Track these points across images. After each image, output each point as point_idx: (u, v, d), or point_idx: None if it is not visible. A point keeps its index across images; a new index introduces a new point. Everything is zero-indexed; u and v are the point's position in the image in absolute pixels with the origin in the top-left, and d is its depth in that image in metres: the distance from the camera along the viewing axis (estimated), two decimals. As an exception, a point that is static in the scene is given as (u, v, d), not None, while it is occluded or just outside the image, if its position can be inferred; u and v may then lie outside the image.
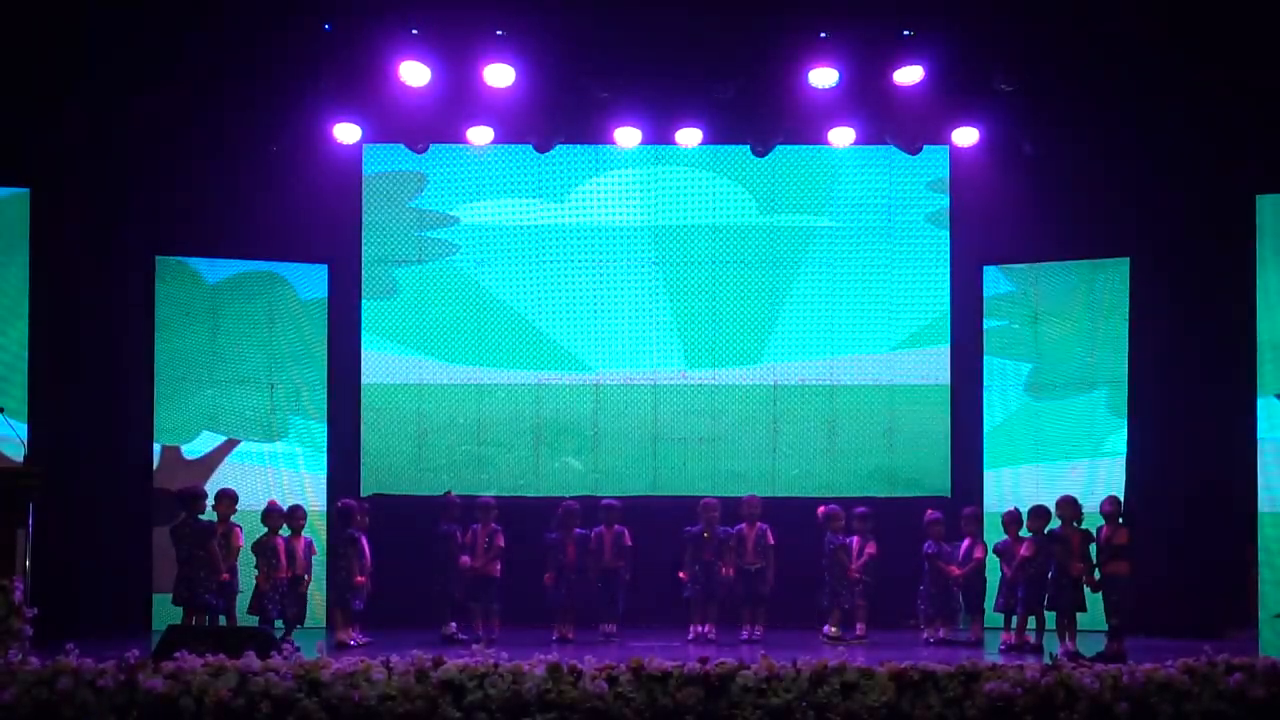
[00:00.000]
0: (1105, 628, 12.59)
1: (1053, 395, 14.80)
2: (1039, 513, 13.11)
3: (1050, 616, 12.91)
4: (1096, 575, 12.54)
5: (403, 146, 14.70)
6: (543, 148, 14.52)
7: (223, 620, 12.46)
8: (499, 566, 13.36)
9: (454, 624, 13.24)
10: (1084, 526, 12.77)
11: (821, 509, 13.77)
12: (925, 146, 14.68)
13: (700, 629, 13.47)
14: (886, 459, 15.10)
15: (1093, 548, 12.68)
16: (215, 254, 14.58)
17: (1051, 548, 12.75)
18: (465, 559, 13.24)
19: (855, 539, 13.69)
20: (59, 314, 13.17)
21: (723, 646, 12.70)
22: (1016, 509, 13.50)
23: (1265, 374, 12.53)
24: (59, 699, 7.87)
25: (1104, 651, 11.93)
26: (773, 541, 13.62)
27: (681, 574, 13.62)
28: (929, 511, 13.81)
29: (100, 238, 13.68)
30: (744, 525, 13.67)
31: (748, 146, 14.61)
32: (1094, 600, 12.68)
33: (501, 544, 13.36)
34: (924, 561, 13.67)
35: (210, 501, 12.84)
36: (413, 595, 13.44)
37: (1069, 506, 12.79)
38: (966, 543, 13.66)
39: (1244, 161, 13.31)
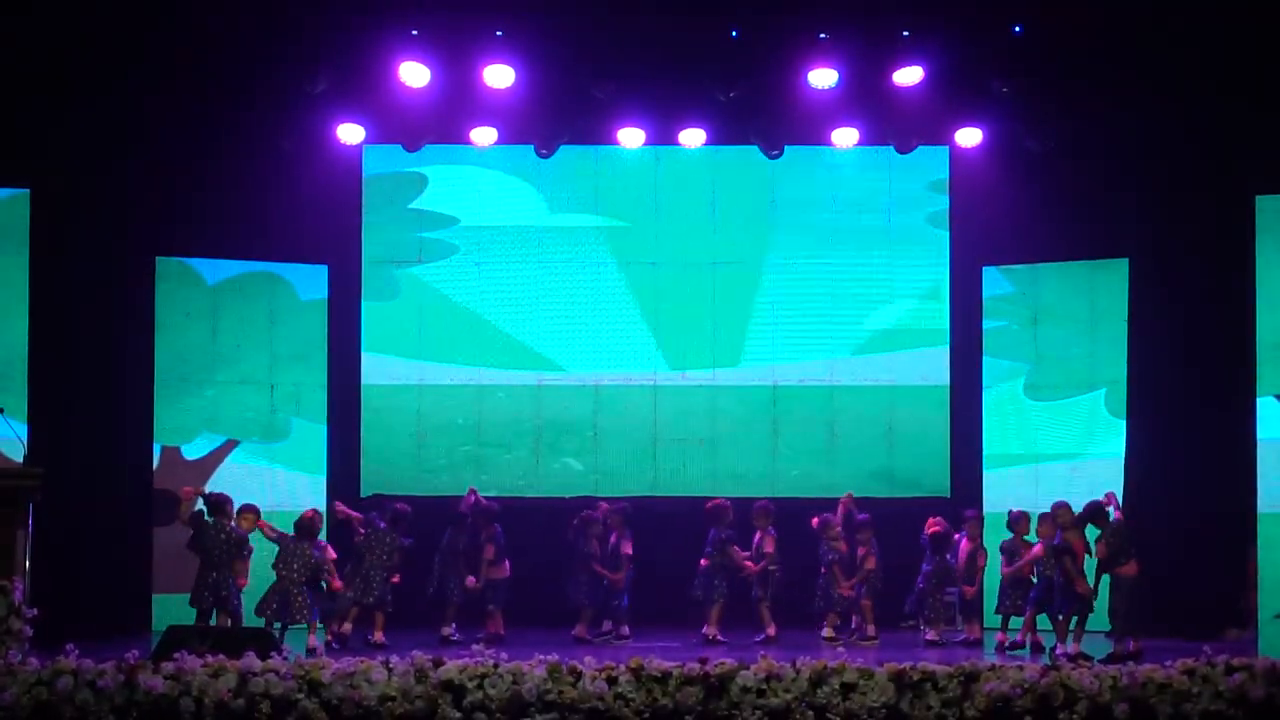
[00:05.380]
0: (1108, 628, 12.59)
1: (1052, 396, 14.80)
2: (1048, 518, 13.08)
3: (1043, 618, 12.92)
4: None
5: (402, 148, 14.70)
6: (545, 151, 14.50)
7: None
8: (507, 567, 13.36)
9: (453, 626, 13.24)
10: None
11: (816, 519, 13.75)
12: (926, 147, 14.69)
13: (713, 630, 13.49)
14: (886, 459, 15.10)
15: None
16: (215, 254, 14.58)
17: (1060, 556, 12.68)
18: (471, 580, 13.26)
19: (860, 550, 13.68)
20: (59, 314, 13.15)
21: (733, 649, 12.68)
22: (1022, 511, 13.46)
23: (1265, 374, 12.52)
24: (59, 699, 7.88)
25: (1114, 653, 11.93)
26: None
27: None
28: (931, 521, 13.78)
29: (100, 238, 13.66)
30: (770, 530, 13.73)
31: (748, 147, 14.63)
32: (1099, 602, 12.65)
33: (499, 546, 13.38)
34: (924, 563, 13.67)
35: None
36: (412, 595, 13.43)
37: (1068, 513, 12.71)
38: (965, 545, 13.66)
39: (1243, 162, 13.31)
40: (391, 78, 13.62)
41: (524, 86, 13.72)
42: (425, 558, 13.47)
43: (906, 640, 13.58)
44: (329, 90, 13.63)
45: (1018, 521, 13.33)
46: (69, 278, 13.30)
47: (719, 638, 13.30)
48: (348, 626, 12.90)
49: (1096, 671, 8.25)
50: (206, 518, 12.43)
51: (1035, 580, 13.03)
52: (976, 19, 13.26)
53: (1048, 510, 13.09)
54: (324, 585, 12.68)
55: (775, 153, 14.55)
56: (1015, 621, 13.29)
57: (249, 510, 12.72)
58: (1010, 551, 13.34)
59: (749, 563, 13.56)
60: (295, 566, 12.48)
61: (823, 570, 13.66)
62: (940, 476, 15.04)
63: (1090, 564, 12.65)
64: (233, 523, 12.45)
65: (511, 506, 14.11)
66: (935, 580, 13.53)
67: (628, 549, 13.43)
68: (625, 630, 13.42)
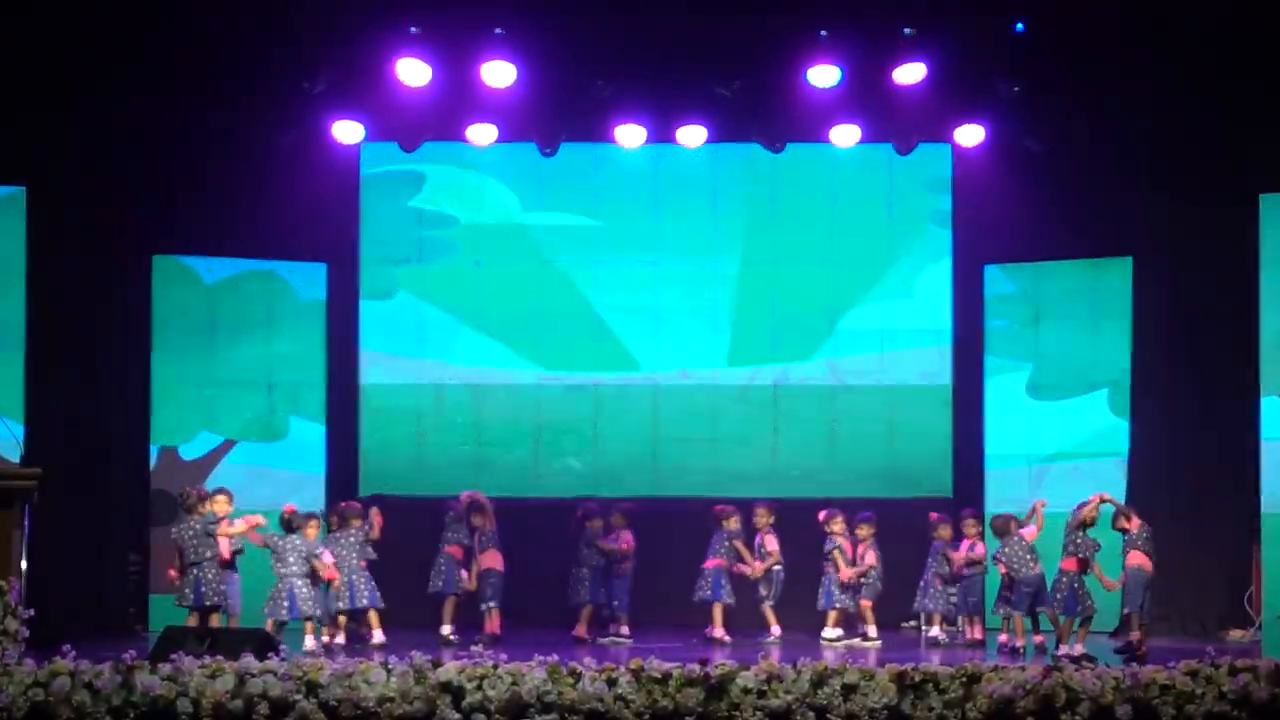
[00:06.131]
0: (1109, 629, 12.55)
1: (1053, 395, 14.76)
2: (997, 525, 13.02)
3: (1043, 618, 12.85)
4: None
5: (399, 147, 14.66)
6: (549, 150, 14.46)
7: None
8: (501, 560, 13.31)
9: (450, 626, 13.22)
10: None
11: (823, 513, 13.76)
12: (927, 145, 14.66)
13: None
14: (887, 459, 15.06)
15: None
16: (213, 253, 14.53)
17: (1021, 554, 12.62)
18: (464, 574, 13.27)
19: (859, 546, 13.67)
20: (56, 313, 13.11)
21: (735, 649, 12.64)
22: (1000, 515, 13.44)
23: (1269, 373, 12.50)
24: (55, 700, 7.84)
25: (1126, 643, 11.88)
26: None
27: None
28: (933, 514, 13.77)
29: (98, 237, 13.62)
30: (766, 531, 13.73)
31: (749, 145, 14.60)
32: (1103, 602, 12.59)
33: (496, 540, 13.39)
34: (928, 562, 13.67)
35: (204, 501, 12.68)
36: (412, 595, 13.40)
37: (1094, 512, 12.59)
38: (966, 544, 13.63)
39: (1246, 161, 13.29)
40: (390, 76, 13.58)
41: (523, 84, 13.67)
42: (425, 556, 13.44)
43: (908, 641, 13.55)
44: (328, 88, 13.60)
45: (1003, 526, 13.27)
46: (66, 276, 13.26)
47: (726, 639, 13.27)
48: (341, 638, 12.87)
49: (1099, 672, 8.21)
50: (182, 521, 12.39)
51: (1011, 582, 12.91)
52: (978, 16, 13.22)
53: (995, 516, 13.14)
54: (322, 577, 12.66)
55: (778, 145, 14.52)
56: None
57: (221, 492, 12.57)
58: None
59: (756, 562, 13.55)
60: (291, 561, 12.52)
61: (825, 565, 13.62)
62: (942, 476, 14.99)
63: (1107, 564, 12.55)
64: (196, 515, 12.33)
65: (511, 506, 14.06)
66: (934, 567, 13.52)
67: (625, 544, 13.43)
68: (624, 630, 13.39)
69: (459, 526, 13.42)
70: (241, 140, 13.98)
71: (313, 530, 12.80)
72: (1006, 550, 12.78)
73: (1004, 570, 12.83)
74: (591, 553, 13.43)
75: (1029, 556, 12.66)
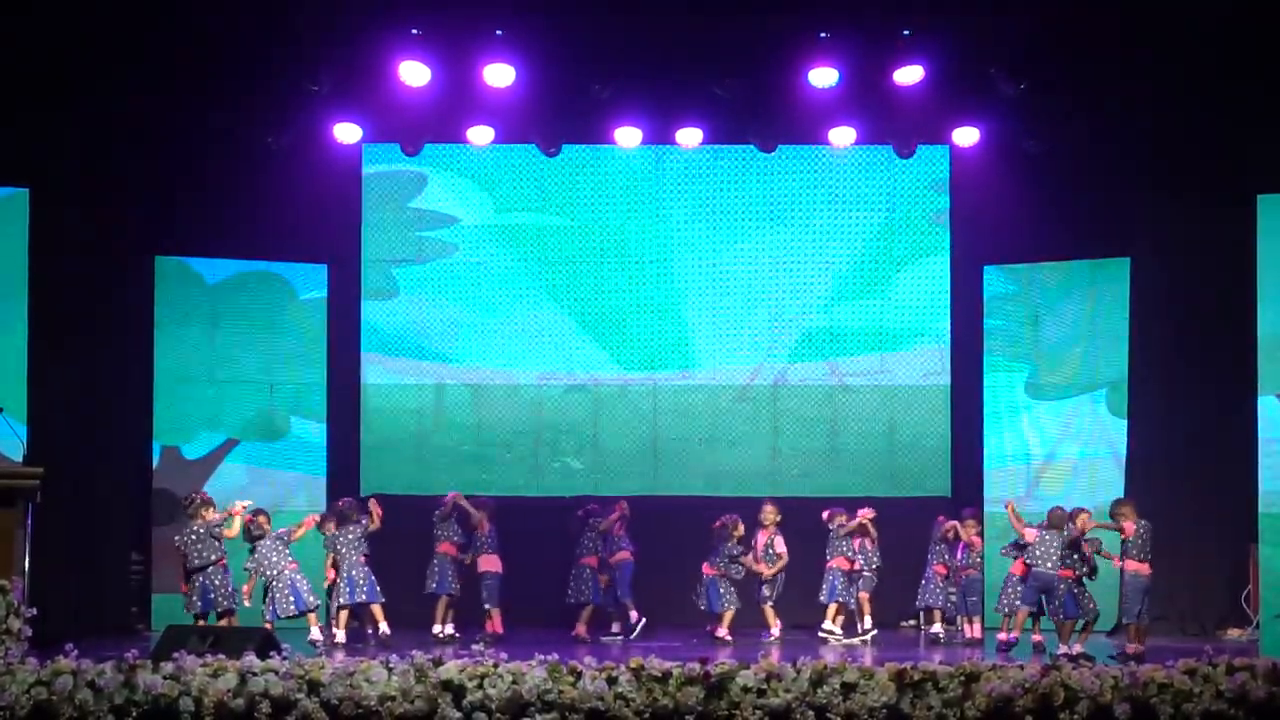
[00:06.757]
0: (1106, 629, 12.57)
1: (1052, 395, 14.79)
2: (1056, 516, 12.99)
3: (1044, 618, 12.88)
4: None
5: (400, 148, 14.69)
6: (553, 150, 14.48)
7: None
8: (499, 562, 13.33)
9: (449, 625, 13.24)
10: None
11: (826, 511, 13.80)
12: (926, 146, 14.68)
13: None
14: (887, 459, 15.08)
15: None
16: (215, 254, 14.57)
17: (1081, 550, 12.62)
18: (450, 549, 13.32)
19: (857, 539, 13.73)
20: (58, 314, 13.13)
21: (735, 649, 12.67)
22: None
23: (1266, 373, 12.50)
24: (58, 699, 7.85)
25: (1124, 652, 11.91)
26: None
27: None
28: (941, 517, 13.79)
29: (100, 238, 13.64)
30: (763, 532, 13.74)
31: (749, 146, 14.61)
32: (1102, 602, 12.60)
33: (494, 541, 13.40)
34: (927, 561, 13.70)
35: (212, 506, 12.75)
36: (411, 594, 13.42)
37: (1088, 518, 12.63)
38: (962, 546, 13.67)
39: (1245, 161, 13.30)
40: (391, 77, 13.60)
41: (523, 86, 13.69)
42: (424, 556, 13.46)
43: (907, 639, 13.57)
44: (329, 89, 13.60)
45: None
46: (67, 276, 13.27)
47: (728, 638, 13.30)
48: (341, 636, 12.89)
49: (1097, 671, 8.23)
50: (184, 527, 12.43)
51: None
52: (977, 18, 13.23)
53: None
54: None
55: (770, 146, 14.51)
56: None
57: (261, 513, 12.80)
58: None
59: (762, 565, 13.56)
60: (275, 560, 12.59)
61: (828, 561, 13.63)
62: (941, 476, 15.02)
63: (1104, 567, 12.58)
64: (199, 521, 12.37)
65: (511, 506, 14.09)
66: (933, 561, 13.57)
67: (625, 554, 13.47)
68: (633, 615, 13.39)
69: (447, 525, 13.48)
70: (242, 140, 13.99)
71: (265, 523, 12.82)
72: (1045, 536, 12.63)
73: (1031, 536, 12.63)
74: (592, 540, 13.44)
75: (1056, 556, 12.51)
